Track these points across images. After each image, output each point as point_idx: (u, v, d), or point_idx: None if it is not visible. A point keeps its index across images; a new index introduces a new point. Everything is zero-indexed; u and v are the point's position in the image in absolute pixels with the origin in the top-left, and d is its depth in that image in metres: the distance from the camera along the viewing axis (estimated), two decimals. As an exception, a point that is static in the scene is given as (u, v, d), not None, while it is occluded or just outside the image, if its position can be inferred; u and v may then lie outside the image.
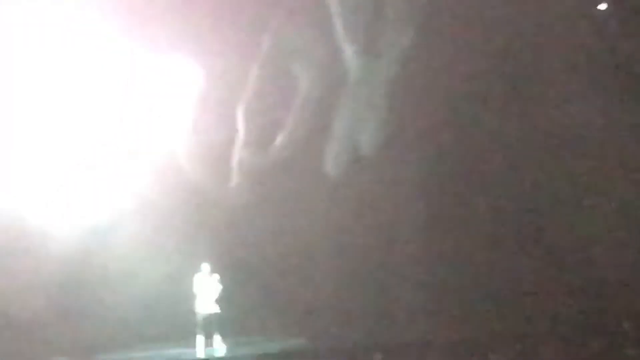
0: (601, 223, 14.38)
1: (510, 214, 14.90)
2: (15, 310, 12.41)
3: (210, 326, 12.79)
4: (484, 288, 13.67)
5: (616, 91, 15.18)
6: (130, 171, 13.34)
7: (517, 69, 14.95)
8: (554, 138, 14.98)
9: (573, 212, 14.84)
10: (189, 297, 12.82)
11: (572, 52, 14.83)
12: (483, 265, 13.82)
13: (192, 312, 12.79)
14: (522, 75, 15.08)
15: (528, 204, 15.08)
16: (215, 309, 12.68)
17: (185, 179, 13.45)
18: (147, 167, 13.32)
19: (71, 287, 12.77)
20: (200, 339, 12.71)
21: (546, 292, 14.17)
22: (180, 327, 12.81)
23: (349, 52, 13.55)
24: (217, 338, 12.82)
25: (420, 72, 14.07)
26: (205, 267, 12.79)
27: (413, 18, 14.26)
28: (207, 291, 12.69)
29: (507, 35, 14.50)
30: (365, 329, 13.35)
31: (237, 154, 13.71)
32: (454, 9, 14.58)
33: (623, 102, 15.10)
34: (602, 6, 15.78)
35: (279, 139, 13.55)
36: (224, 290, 12.76)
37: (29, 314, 12.50)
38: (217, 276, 12.69)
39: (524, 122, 15.06)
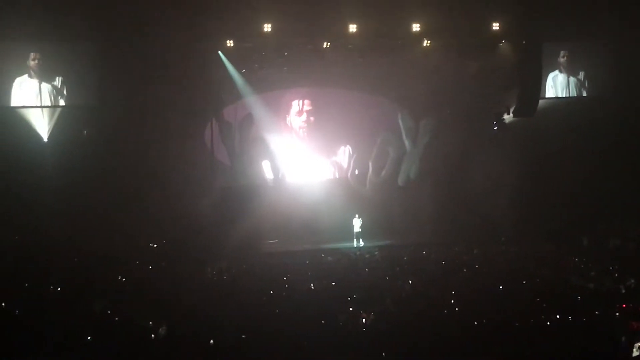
0: None
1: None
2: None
3: (357, 235, 27.59)
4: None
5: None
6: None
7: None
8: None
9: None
10: (351, 224, 27.96)
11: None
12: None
13: (352, 229, 27.80)
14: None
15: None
16: (358, 229, 27.65)
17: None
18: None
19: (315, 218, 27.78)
20: (355, 239, 27.49)
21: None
22: (347, 235, 27.74)
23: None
24: (360, 240, 27.52)
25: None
26: (357, 217, 27.78)
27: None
28: (357, 223, 27.78)
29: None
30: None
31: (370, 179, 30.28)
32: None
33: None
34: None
35: (384, 174, 30.64)
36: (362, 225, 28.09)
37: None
38: (360, 219, 27.95)
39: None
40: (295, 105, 29.56)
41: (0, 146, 24.09)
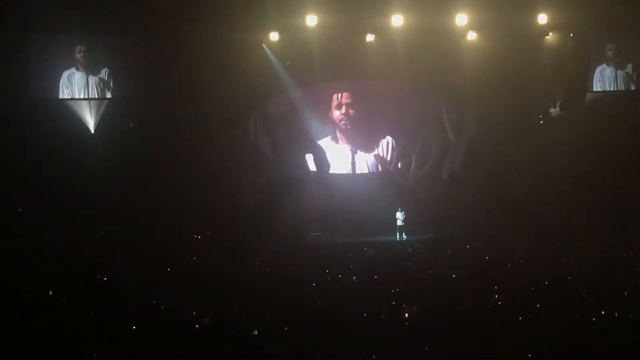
0: None
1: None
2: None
3: (400, 228, 27.64)
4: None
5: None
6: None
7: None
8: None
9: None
10: (394, 218, 27.79)
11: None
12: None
13: (395, 222, 27.76)
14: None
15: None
16: (401, 222, 27.49)
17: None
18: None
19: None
20: (397, 233, 27.50)
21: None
22: (390, 228, 27.80)
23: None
24: (403, 234, 27.53)
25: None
26: (400, 210, 27.74)
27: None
28: (400, 217, 27.70)
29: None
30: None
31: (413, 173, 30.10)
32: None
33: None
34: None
35: (428, 167, 30.50)
36: (405, 218, 28.05)
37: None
38: (403, 212, 28.11)
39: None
40: (338, 98, 29.42)
41: (49, 138, 24.40)
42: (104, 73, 25.69)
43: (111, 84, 25.79)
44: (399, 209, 27.61)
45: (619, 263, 19.32)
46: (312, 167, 29.31)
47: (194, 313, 12.80)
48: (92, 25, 24.78)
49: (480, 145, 28.53)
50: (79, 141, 25.39)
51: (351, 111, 29.38)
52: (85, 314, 12.82)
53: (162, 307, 13.57)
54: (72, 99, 25.62)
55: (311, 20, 25.83)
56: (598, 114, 27.41)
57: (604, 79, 28.06)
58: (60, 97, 25.48)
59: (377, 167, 30.01)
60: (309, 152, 29.23)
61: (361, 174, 29.81)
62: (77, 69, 25.43)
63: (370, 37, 27.29)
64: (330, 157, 29.50)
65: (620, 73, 28.10)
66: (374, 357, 10.49)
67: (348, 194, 28.26)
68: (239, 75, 26.31)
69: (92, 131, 26.07)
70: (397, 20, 26.15)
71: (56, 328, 11.61)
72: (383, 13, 26.21)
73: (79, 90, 25.48)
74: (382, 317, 12.83)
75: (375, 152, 29.96)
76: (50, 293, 14.56)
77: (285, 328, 11.86)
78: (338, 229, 27.60)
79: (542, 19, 26.52)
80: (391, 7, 26.04)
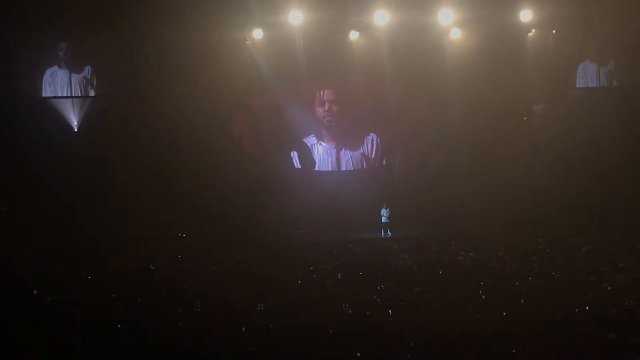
0: None
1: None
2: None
3: (385, 225, 27.65)
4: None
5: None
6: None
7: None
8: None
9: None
10: (379, 215, 27.78)
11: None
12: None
13: (379, 219, 27.80)
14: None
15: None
16: (386, 219, 27.63)
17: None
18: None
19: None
20: (382, 230, 27.56)
21: None
22: (374, 225, 27.76)
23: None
24: (387, 231, 27.57)
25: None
26: (385, 207, 27.75)
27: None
28: (384, 214, 27.86)
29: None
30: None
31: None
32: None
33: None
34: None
35: (412, 164, 30.47)
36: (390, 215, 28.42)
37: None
38: (387, 209, 28.24)
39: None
40: (322, 95, 29.37)
41: (32, 137, 24.36)
42: (87, 71, 25.60)
43: (94, 82, 25.67)
44: (384, 206, 27.61)
45: (602, 259, 19.18)
46: (297, 164, 29.24)
47: (179, 311, 12.77)
48: (75, 23, 24.74)
49: (465, 143, 28.40)
50: (63, 140, 25.38)
51: (335, 108, 29.30)
52: (69, 312, 12.74)
53: (146, 306, 13.52)
54: (55, 97, 25.46)
55: (295, 17, 25.76)
56: (581, 111, 27.45)
57: (587, 75, 28.12)
58: (43, 95, 25.29)
59: (362, 164, 29.92)
60: (293, 150, 29.20)
61: (346, 171, 29.69)
62: (60, 67, 25.32)
63: (354, 35, 27.31)
64: (314, 154, 29.45)
65: (603, 70, 28.10)
66: (358, 354, 10.47)
67: (333, 191, 28.20)
68: (223, 73, 26.25)
69: (76, 130, 25.97)
70: (381, 17, 26.11)
71: (40, 326, 11.52)
72: (367, 10, 26.21)
73: (62, 88, 25.39)
74: (367, 313, 12.83)
75: (360, 149, 29.87)
76: (35, 292, 14.47)
77: (270, 325, 11.84)
78: (323, 226, 27.47)
79: (525, 15, 26.55)
80: (375, 4, 26.03)
